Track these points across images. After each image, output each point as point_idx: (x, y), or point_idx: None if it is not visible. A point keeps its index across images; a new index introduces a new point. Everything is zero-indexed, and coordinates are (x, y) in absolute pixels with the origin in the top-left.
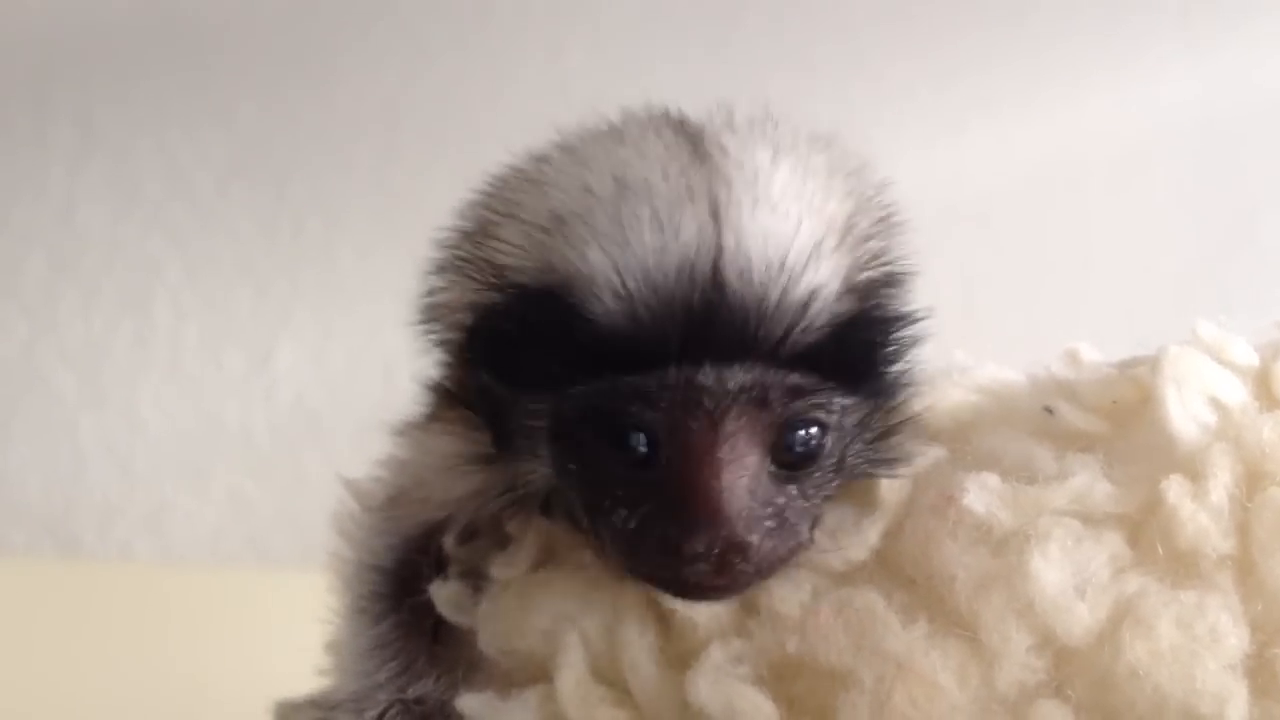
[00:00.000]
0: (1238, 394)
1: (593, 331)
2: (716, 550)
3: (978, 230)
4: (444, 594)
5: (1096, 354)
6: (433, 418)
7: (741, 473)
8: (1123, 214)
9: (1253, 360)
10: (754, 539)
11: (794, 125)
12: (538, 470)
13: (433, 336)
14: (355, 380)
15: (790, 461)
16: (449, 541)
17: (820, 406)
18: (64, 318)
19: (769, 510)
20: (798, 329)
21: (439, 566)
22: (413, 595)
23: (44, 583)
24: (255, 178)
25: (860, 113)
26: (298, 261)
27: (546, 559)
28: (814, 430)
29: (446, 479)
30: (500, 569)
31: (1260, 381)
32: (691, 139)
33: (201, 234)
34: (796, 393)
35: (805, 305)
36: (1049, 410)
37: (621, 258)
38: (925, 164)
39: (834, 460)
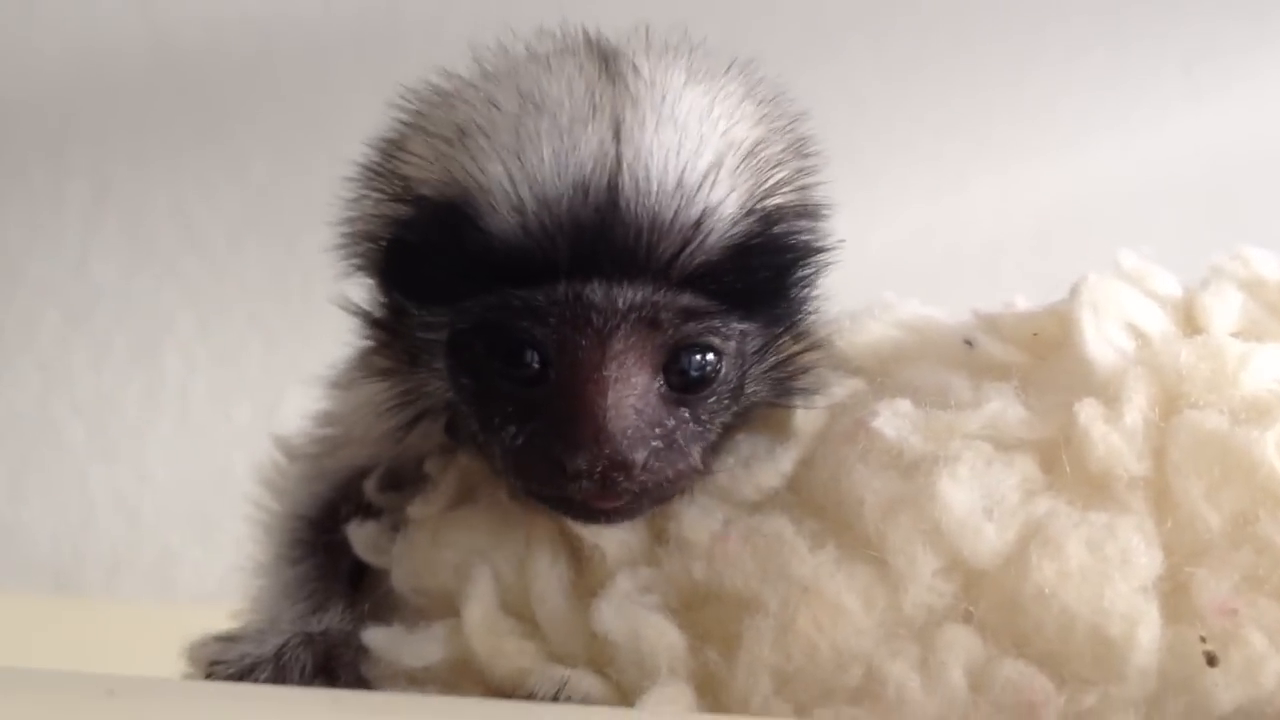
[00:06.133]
0: (1158, 321)
1: (488, 244)
2: (599, 468)
3: (983, 279)
4: (361, 535)
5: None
6: (357, 367)
7: (628, 391)
8: None
9: (1175, 290)
10: (638, 458)
11: (713, 52)
12: (435, 385)
13: (352, 259)
14: None
15: (683, 384)
16: (369, 486)
17: (714, 330)
18: (77, 370)
19: (656, 431)
20: (690, 248)
21: (361, 511)
22: (329, 535)
23: (49, 625)
24: (267, 233)
25: (866, 164)
26: (307, 315)
27: (464, 499)
28: (708, 355)
29: (368, 420)
30: (417, 509)
31: (1183, 310)
32: (605, 59)
33: (213, 288)
34: (689, 315)
35: (698, 225)
36: (969, 343)
37: (518, 171)
38: (931, 214)
39: (730, 386)
